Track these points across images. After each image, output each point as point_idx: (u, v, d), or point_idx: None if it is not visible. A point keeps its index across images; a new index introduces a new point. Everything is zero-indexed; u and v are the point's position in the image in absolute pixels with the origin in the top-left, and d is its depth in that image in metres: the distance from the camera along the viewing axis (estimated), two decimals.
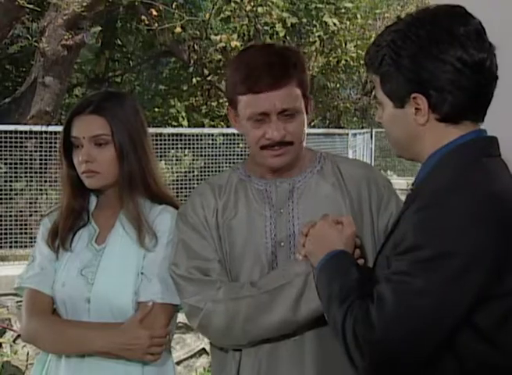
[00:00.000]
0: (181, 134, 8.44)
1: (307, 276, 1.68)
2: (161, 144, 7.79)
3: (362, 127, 14.13)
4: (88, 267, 1.92)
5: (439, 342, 1.35)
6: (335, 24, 10.86)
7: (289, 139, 1.78)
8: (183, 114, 11.28)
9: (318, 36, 11.08)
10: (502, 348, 1.37)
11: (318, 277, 1.57)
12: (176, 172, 8.70)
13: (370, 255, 1.75)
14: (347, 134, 10.56)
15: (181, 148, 8.54)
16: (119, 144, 1.91)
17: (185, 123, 11.14)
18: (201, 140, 8.74)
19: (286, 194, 1.83)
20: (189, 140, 8.49)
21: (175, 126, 10.35)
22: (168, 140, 8.10)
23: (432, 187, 1.40)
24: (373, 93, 15.10)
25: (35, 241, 2.05)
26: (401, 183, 12.42)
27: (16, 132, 7.44)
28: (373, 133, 12.71)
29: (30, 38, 9.43)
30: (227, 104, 1.89)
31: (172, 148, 8.34)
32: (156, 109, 11.60)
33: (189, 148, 8.60)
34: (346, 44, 11.31)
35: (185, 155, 8.81)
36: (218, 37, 10.62)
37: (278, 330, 1.72)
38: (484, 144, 1.47)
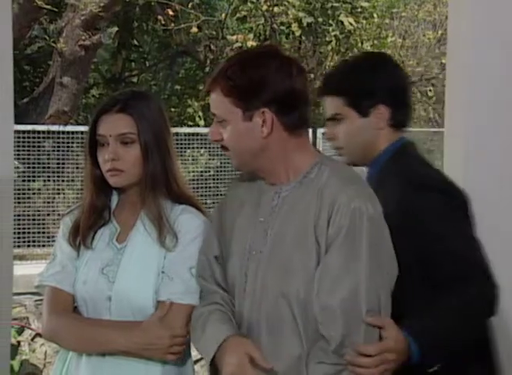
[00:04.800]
0: (197, 134, 8.45)
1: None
2: (177, 144, 7.76)
3: None
4: (109, 265, 1.93)
5: None
6: (351, 23, 10.81)
7: (223, 144, 1.79)
8: (200, 114, 11.27)
9: (334, 35, 11.04)
10: None
11: None
12: (193, 171, 8.71)
13: None
14: None
15: (197, 147, 8.55)
16: (145, 143, 1.91)
17: (201, 122, 11.13)
18: None
19: (269, 203, 1.80)
20: (205, 139, 8.48)
21: (191, 126, 10.35)
22: (185, 139, 8.11)
23: None
24: None
25: (53, 240, 2.05)
26: None
27: (33, 132, 7.48)
28: None
29: (48, 39, 9.48)
30: None
31: (189, 148, 8.35)
32: (172, 109, 11.60)
33: (205, 147, 8.60)
34: (362, 44, 11.27)
35: (201, 155, 8.81)
36: (234, 37, 10.62)
37: None
38: None
